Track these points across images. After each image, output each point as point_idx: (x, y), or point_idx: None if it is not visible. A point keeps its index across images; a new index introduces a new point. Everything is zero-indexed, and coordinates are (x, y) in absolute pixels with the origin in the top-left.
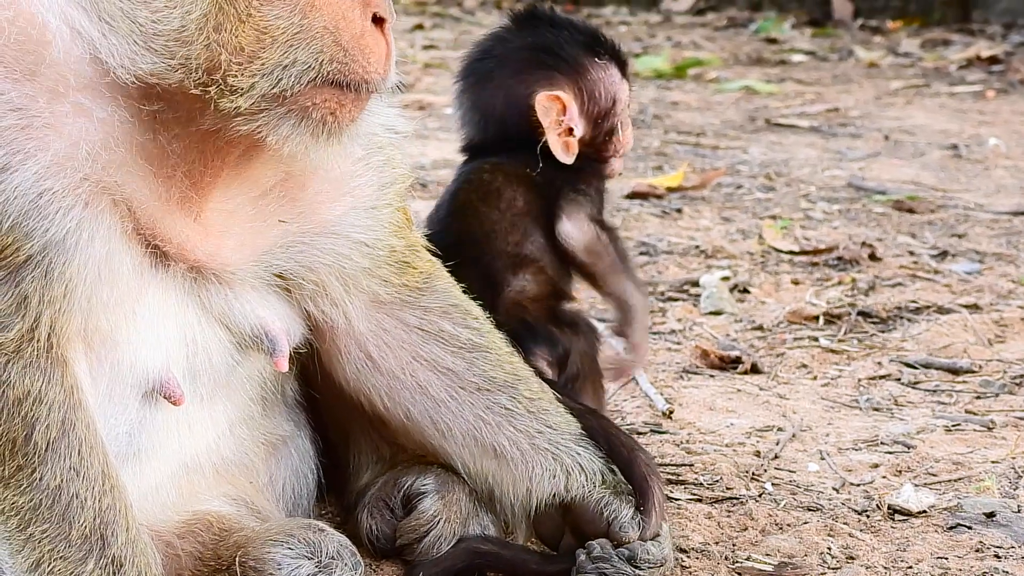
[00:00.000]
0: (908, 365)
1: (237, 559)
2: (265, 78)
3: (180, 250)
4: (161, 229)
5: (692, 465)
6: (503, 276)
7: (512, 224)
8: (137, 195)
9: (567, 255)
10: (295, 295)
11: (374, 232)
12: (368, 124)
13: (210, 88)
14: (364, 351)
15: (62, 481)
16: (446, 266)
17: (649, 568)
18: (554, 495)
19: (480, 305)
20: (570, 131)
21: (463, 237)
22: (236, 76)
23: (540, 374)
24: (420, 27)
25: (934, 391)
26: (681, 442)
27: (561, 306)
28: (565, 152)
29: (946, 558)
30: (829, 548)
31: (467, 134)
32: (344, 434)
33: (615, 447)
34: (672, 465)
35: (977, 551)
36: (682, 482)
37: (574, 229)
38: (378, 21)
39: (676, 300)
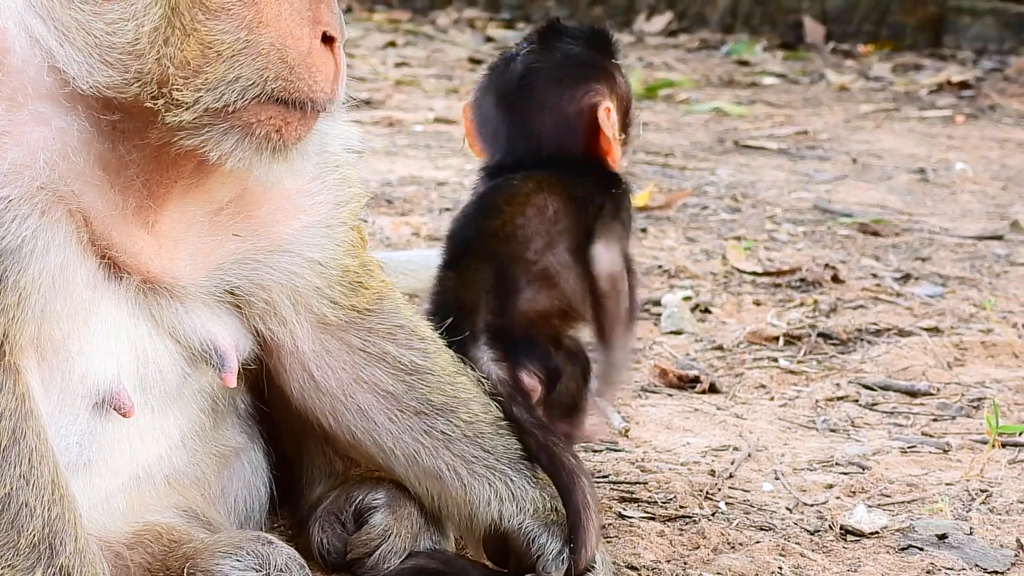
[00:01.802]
0: (866, 387)
1: (185, 570)
2: (209, 93)
3: (134, 262)
4: (116, 240)
5: (646, 483)
6: (517, 282)
7: (537, 231)
8: (94, 205)
9: (589, 277)
10: (245, 312)
11: (328, 251)
12: (324, 142)
13: (158, 101)
14: (307, 371)
15: (11, 489)
16: (456, 265)
17: None
18: (490, 522)
19: (487, 306)
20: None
21: (484, 233)
22: (181, 90)
23: (507, 391)
24: (392, 44)
25: (891, 413)
26: (636, 460)
27: (565, 328)
28: (622, 159)
29: None
30: (780, 568)
31: (494, 155)
32: (297, 448)
33: (556, 472)
34: (626, 483)
35: (928, 572)
36: (635, 500)
37: (606, 255)
38: (327, 40)
39: (639, 319)
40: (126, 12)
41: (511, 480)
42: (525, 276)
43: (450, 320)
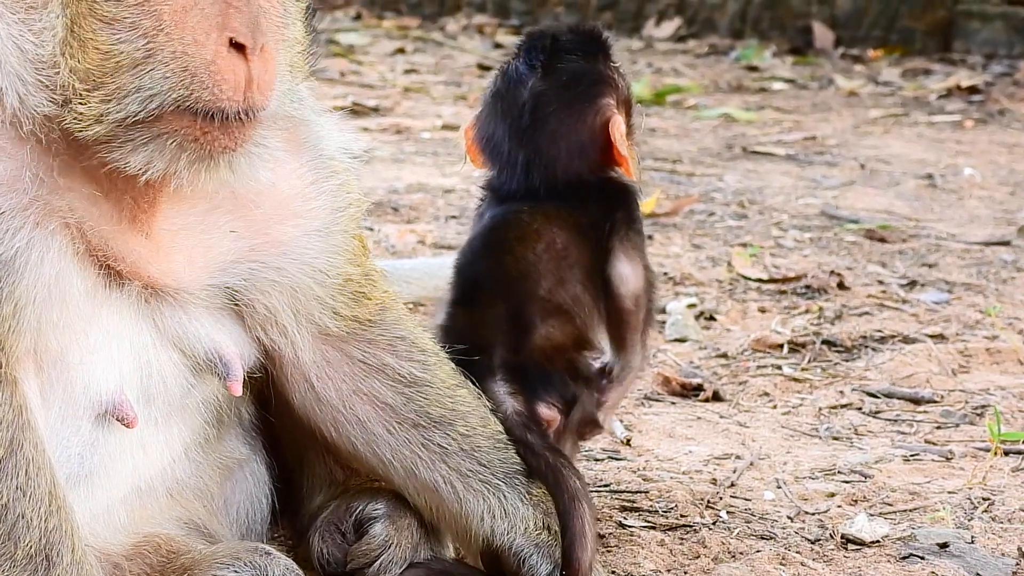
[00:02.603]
0: (870, 394)
1: None
2: (112, 104)
3: (133, 268)
4: (113, 248)
5: (647, 492)
6: (531, 319)
7: (548, 269)
8: (87, 216)
9: (611, 296)
10: (247, 320)
11: (327, 257)
12: (320, 146)
13: (72, 116)
14: (308, 382)
15: (8, 500)
16: (470, 302)
17: None
18: (484, 537)
19: (502, 343)
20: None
21: (495, 271)
22: (86, 103)
23: (521, 421)
24: (401, 51)
25: (895, 421)
26: (638, 469)
27: (582, 357)
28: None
29: None
30: None
31: (503, 181)
32: (299, 457)
33: (558, 494)
34: (627, 492)
35: None
36: (636, 509)
37: (631, 273)
38: (238, 47)
39: None
40: (45, 23)
41: (504, 496)
42: (539, 313)
43: (465, 356)
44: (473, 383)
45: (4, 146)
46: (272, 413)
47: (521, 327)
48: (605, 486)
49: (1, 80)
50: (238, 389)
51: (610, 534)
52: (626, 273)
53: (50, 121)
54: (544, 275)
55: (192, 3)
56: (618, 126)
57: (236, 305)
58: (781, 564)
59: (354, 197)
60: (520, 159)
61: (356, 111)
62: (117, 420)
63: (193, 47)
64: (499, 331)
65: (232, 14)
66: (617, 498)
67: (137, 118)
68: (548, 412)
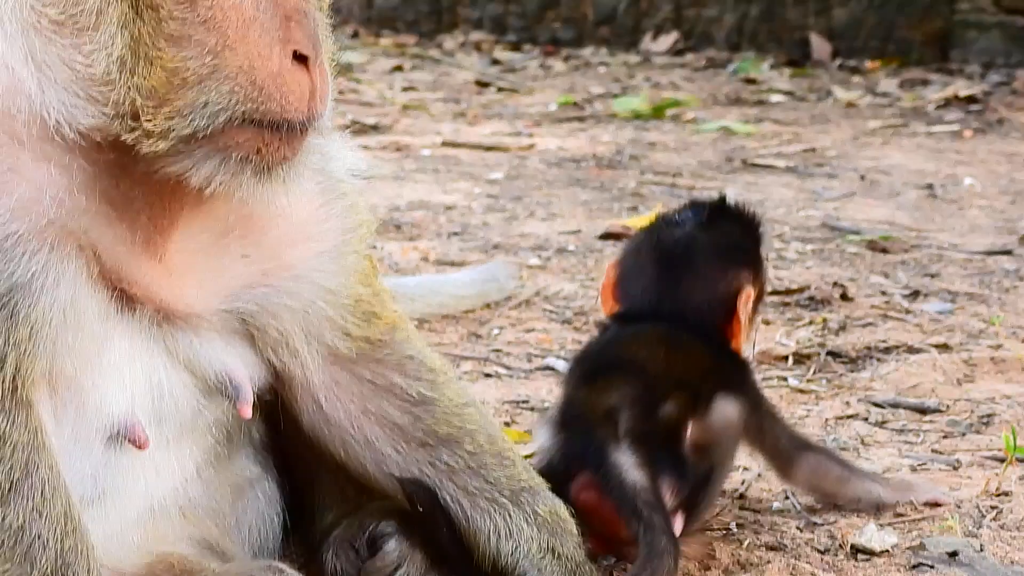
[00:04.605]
0: (876, 405)
1: None
2: (179, 120)
3: (146, 292)
4: (127, 272)
5: None
6: (659, 393)
7: (673, 360)
8: (102, 239)
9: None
10: (258, 343)
11: (339, 278)
12: (328, 168)
13: (134, 134)
14: (317, 403)
15: (24, 522)
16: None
17: None
18: (491, 556)
19: (628, 412)
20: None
21: (624, 356)
22: (152, 119)
23: (648, 499)
24: (399, 68)
25: (901, 431)
26: None
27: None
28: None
29: None
30: None
31: (632, 308)
32: (310, 476)
33: None
34: None
35: None
36: None
37: (728, 408)
38: (300, 59)
39: None
40: (98, 42)
41: (510, 516)
42: (665, 391)
43: (580, 429)
44: (596, 455)
45: (25, 167)
46: (282, 433)
47: (650, 399)
48: None
49: (43, 96)
50: (248, 412)
51: None
52: (727, 410)
53: (98, 133)
54: (670, 365)
55: (254, 18)
56: (746, 300)
57: (247, 328)
58: (791, 574)
59: (363, 218)
60: (657, 285)
61: (356, 129)
62: (129, 442)
63: (259, 60)
64: (625, 400)
65: (293, 27)
66: None
67: (203, 133)
68: (670, 484)
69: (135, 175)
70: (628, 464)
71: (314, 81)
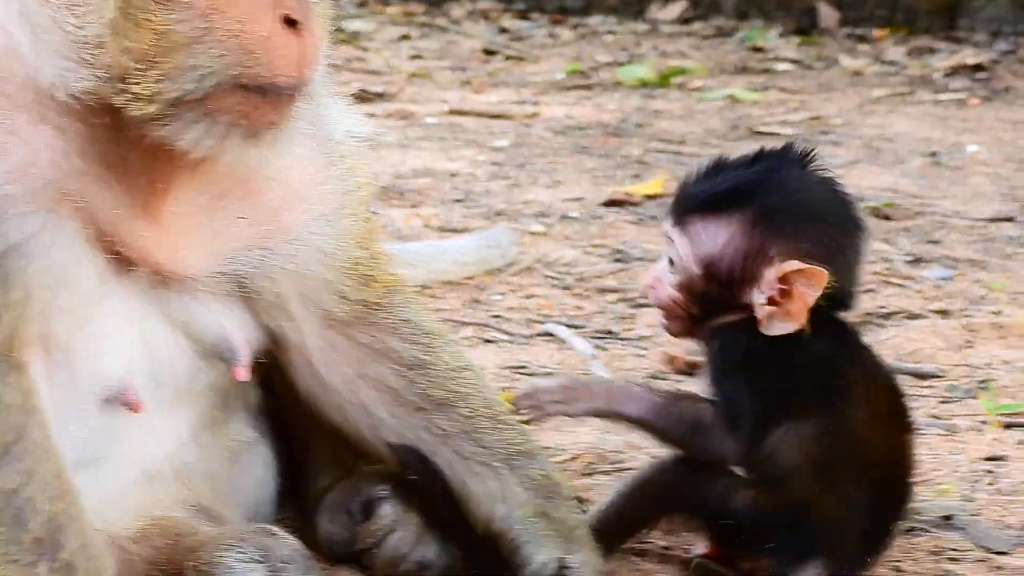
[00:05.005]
0: None
1: (190, 564)
2: (168, 83)
3: (142, 255)
4: (123, 234)
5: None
6: None
7: None
8: (98, 202)
9: None
10: (255, 306)
11: (336, 241)
12: (328, 131)
13: (123, 97)
14: (313, 367)
15: (16, 485)
16: None
17: None
18: (485, 520)
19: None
20: None
21: None
22: (140, 83)
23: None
24: (407, 37)
25: None
26: (643, 446)
27: None
28: None
29: (901, 561)
30: None
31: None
32: (305, 440)
33: None
34: (627, 468)
35: (933, 554)
36: None
37: None
38: (291, 23)
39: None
40: (89, 4)
41: (504, 479)
42: None
43: None
44: None
45: (21, 129)
46: (278, 397)
47: None
48: (610, 462)
49: (38, 59)
50: (244, 375)
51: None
52: None
53: (91, 96)
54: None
55: None
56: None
57: (244, 291)
58: None
59: (363, 181)
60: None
61: (362, 97)
62: (124, 405)
63: (248, 24)
64: None
65: None
66: (614, 467)
67: (191, 97)
68: None
69: (130, 138)
70: None
71: (304, 46)
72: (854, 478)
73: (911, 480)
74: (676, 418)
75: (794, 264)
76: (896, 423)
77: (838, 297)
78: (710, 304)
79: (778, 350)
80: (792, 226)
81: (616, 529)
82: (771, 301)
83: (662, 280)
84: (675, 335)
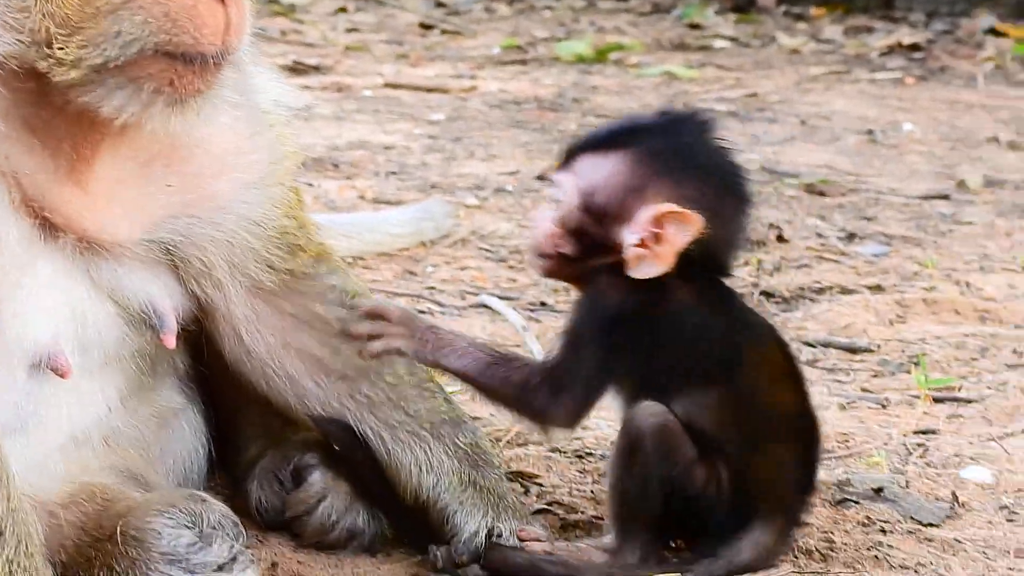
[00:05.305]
0: (807, 344)
1: (119, 528)
2: (91, 49)
3: (68, 221)
4: (49, 200)
5: (583, 440)
6: None
7: None
8: (23, 166)
9: None
10: (182, 273)
11: (263, 209)
12: (255, 100)
13: (47, 62)
14: (239, 335)
15: None
16: None
17: None
18: (413, 490)
19: None
20: None
21: None
22: (64, 48)
23: None
24: (343, 10)
25: (831, 369)
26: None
27: None
28: None
29: (831, 532)
30: None
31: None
32: (235, 408)
33: None
34: (575, 438)
35: (863, 525)
36: (581, 456)
37: None
38: None
39: None
40: None
41: (430, 448)
42: None
43: None
44: None
45: None
46: (207, 365)
47: None
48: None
49: None
50: (172, 342)
51: (550, 470)
52: None
53: (14, 61)
54: None
55: None
56: None
57: (171, 259)
58: None
59: (290, 150)
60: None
61: (297, 69)
62: (52, 370)
63: None
64: None
65: None
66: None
67: (115, 63)
68: None
69: (55, 104)
70: None
71: (230, 14)
72: (776, 436)
73: (818, 425)
74: (501, 378)
75: (669, 205)
76: (792, 378)
77: (711, 253)
78: (583, 241)
79: (648, 302)
80: (676, 171)
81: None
82: (642, 244)
83: (541, 219)
84: (546, 275)
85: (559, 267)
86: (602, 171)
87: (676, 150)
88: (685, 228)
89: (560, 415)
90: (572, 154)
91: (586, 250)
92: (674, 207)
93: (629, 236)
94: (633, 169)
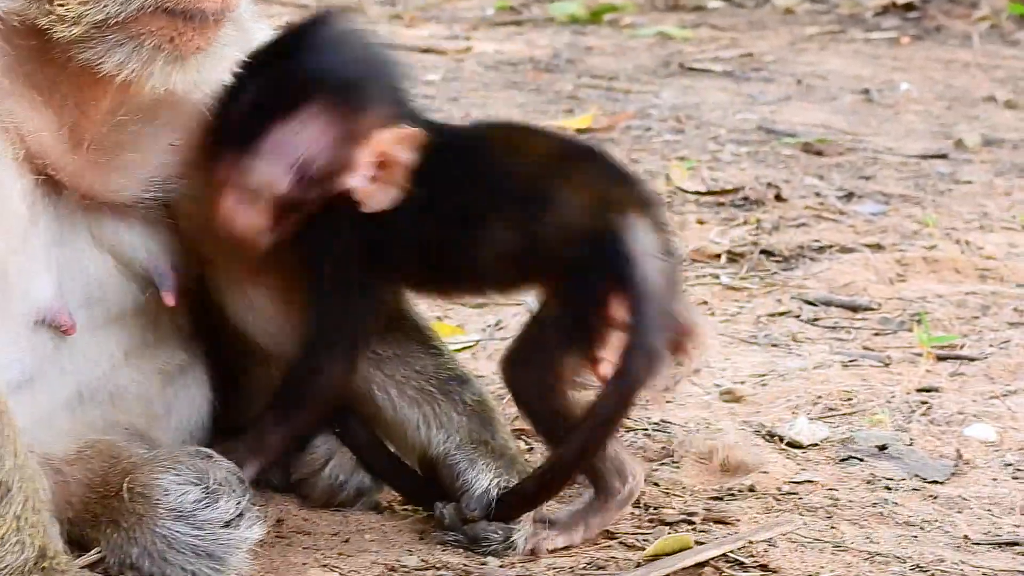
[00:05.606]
0: (808, 302)
1: (125, 485)
2: (91, 5)
3: (71, 178)
4: (52, 157)
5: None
6: None
7: None
8: (27, 124)
9: None
10: (183, 229)
11: None
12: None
13: (48, 18)
14: (241, 289)
15: None
16: None
17: (494, 552)
18: (421, 447)
19: None
20: None
21: None
22: (64, 4)
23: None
24: None
25: (833, 328)
26: None
27: None
28: None
29: (836, 489)
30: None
31: None
32: (239, 365)
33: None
34: None
35: (868, 483)
36: None
37: None
38: None
39: None
40: None
41: (439, 404)
42: None
43: None
44: None
45: None
46: (212, 321)
47: None
48: None
49: None
50: (172, 300)
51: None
52: None
53: (16, 17)
54: None
55: None
56: None
57: (173, 215)
58: (723, 464)
59: None
60: None
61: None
62: (55, 327)
63: None
64: None
65: None
66: None
67: (116, 19)
68: None
69: (57, 61)
70: None
71: None
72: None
73: None
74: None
75: (386, 135)
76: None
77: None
78: (302, 206)
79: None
80: (364, 98)
81: None
82: (372, 179)
83: (240, 210)
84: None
85: (281, 229)
86: (299, 143)
87: (349, 80)
88: (408, 144)
89: (338, 374)
90: (247, 137)
91: (306, 206)
92: (391, 133)
93: (358, 181)
94: (328, 123)
